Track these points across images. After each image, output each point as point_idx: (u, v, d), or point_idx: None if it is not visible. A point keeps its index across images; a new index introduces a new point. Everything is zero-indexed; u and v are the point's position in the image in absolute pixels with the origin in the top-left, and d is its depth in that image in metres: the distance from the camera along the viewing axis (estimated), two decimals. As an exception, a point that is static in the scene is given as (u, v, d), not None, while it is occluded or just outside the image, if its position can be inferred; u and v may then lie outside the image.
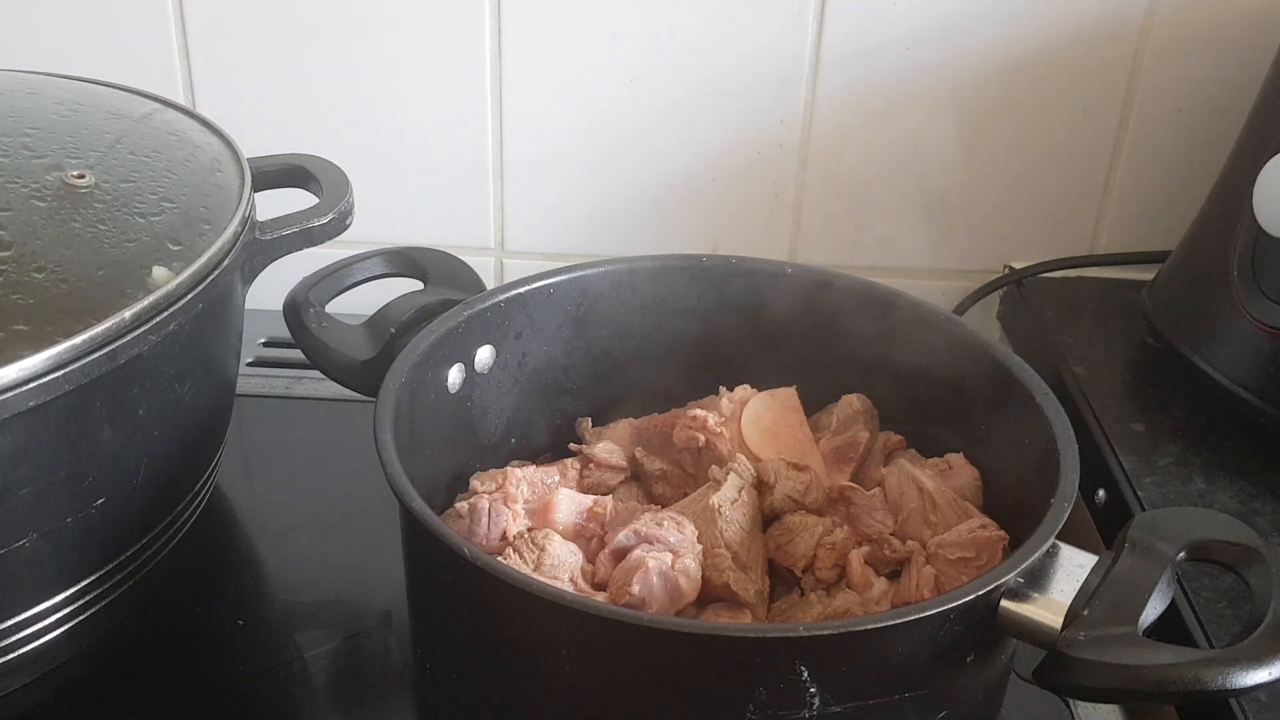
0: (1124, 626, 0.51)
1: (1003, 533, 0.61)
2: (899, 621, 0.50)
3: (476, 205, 0.95)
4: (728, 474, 0.65)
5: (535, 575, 0.58)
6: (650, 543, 0.60)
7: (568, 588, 0.58)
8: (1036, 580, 0.53)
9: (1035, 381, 0.63)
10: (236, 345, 0.70)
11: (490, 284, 0.73)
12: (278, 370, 0.90)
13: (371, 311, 0.69)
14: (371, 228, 0.84)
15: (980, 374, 0.66)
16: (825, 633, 0.51)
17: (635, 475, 0.71)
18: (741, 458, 0.67)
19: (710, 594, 0.60)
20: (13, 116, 0.68)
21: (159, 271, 0.58)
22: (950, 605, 0.50)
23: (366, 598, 0.70)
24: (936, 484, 0.65)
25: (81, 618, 0.62)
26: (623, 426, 0.73)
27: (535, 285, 0.70)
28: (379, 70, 0.90)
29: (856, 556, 0.62)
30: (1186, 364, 0.76)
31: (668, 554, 0.59)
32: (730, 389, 0.73)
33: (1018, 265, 0.93)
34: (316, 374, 0.70)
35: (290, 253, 0.70)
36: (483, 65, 0.90)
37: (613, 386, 0.74)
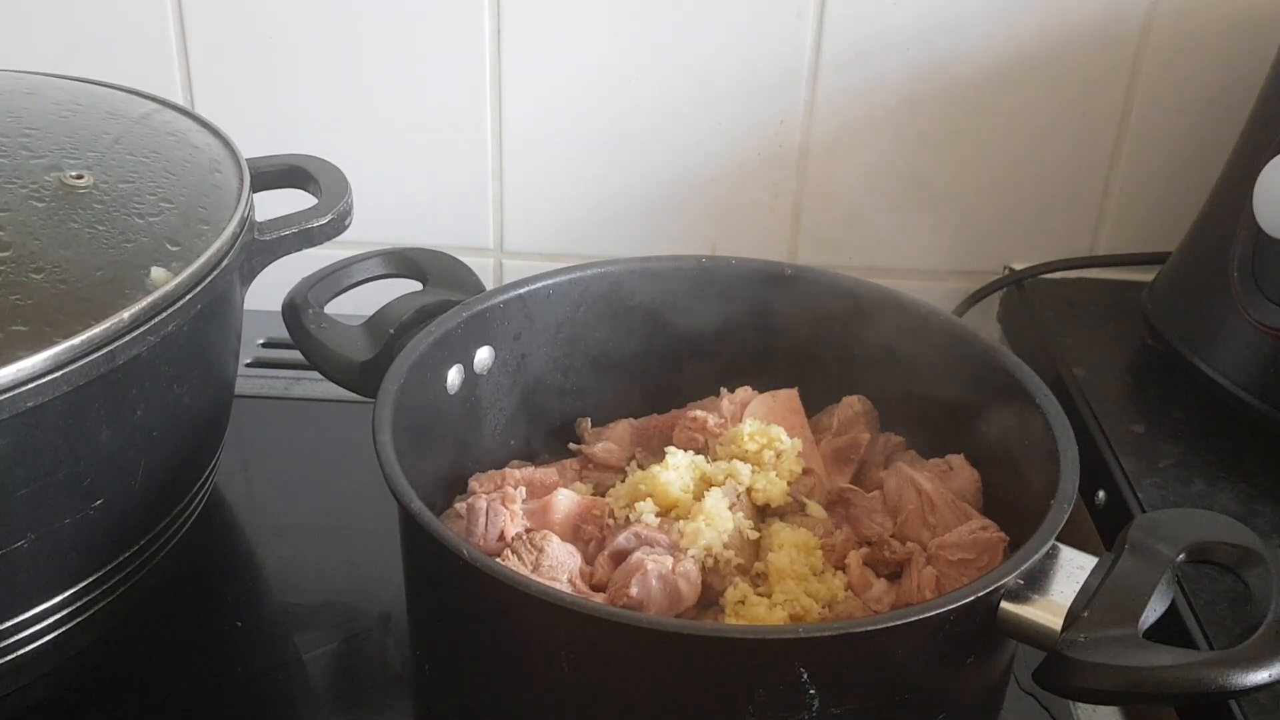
0: (1124, 628, 0.51)
1: (1004, 534, 0.61)
2: (899, 623, 0.50)
3: (476, 206, 0.95)
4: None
5: (533, 576, 0.58)
6: (651, 545, 0.60)
7: (566, 589, 0.58)
8: (1036, 582, 0.53)
9: (1035, 382, 0.63)
10: (235, 346, 0.70)
11: (489, 285, 0.73)
12: (276, 371, 0.90)
13: (370, 312, 0.69)
14: (370, 228, 0.84)
15: (980, 375, 0.66)
16: (825, 634, 0.51)
17: (635, 476, 0.70)
18: (741, 459, 0.67)
19: (710, 597, 0.60)
20: (11, 117, 0.68)
21: (157, 272, 0.58)
22: (950, 607, 0.50)
23: (365, 599, 0.70)
24: (935, 485, 0.65)
25: (80, 619, 0.62)
26: (623, 426, 0.73)
27: (534, 286, 0.70)
28: (378, 70, 0.90)
29: (856, 557, 0.62)
30: (1186, 365, 0.76)
31: (668, 557, 0.59)
32: (731, 390, 0.73)
33: (1018, 266, 0.93)
34: (315, 375, 0.69)
35: (289, 253, 0.70)
36: (482, 65, 0.90)
37: (613, 387, 0.74)
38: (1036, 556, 0.53)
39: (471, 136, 0.92)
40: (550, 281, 0.71)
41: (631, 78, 0.90)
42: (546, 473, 0.69)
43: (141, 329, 0.56)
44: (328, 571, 0.72)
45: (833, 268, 0.74)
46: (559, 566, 0.59)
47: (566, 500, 0.64)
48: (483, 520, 0.62)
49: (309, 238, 0.70)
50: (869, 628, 0.50)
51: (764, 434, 0.67)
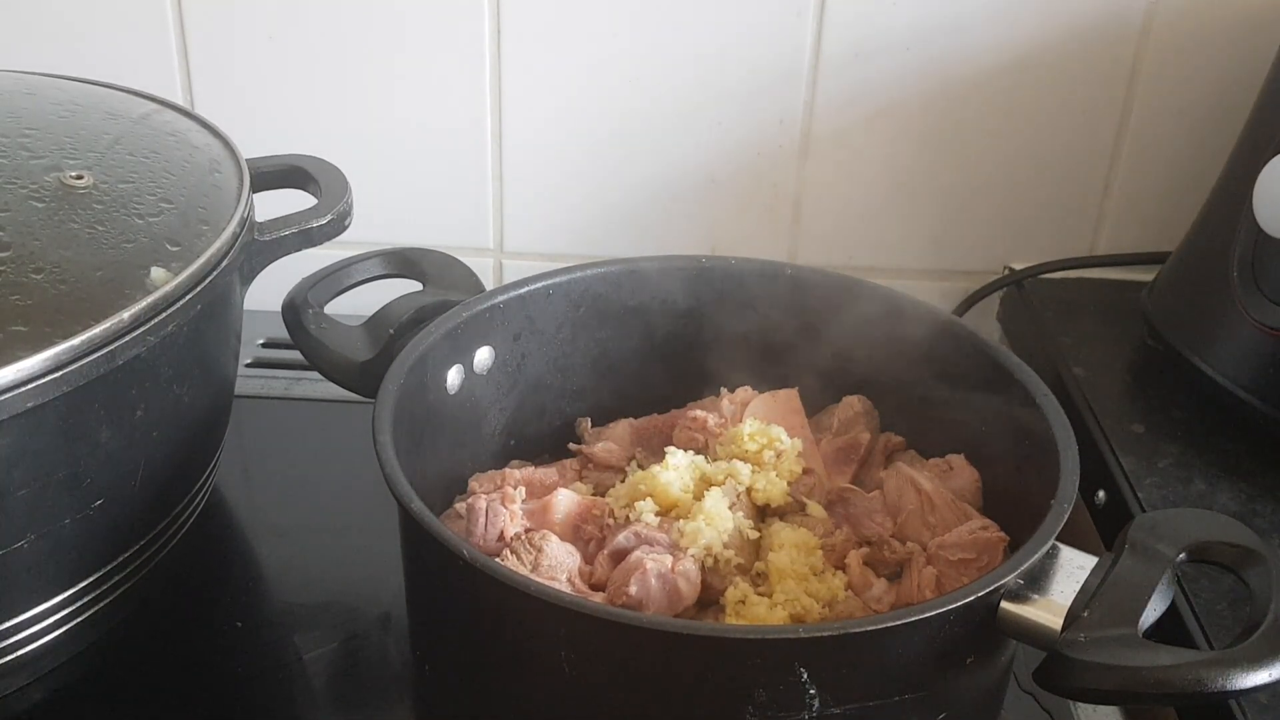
0: (1124, 628, 0.51)
1: (1004, 534, 0.61)
2: (899, 623, 0.50)
3: (475, 206, 0.95)
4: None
5: (533, 576, 0.58)
6: (650, 545, 0.60)
7: (565, 588, 0.58)
8: (1036, 582, 0.53)
9: (1035, 382, 0.63)
10: (235, 346, 0.70)
11: (489, 285, 0.73)
12: (276, 371, 0.90)
13: (370, 313, 0.69)
14: (370, 228, 0.84)
15: (980, 375, 0.66)
16: (825, 634, 0.51)
17: (635, 476, 0.70)
18: (741, 459, 0.67)
19: (710, 597, 0.60)
20: (11, 117, 0.68)
21: (157, 272, 0.58)
22: (950, 606, 0.50)
23: (365, 599, 0.70)
24: (935, 485, 0.65)
25: (80, 619, 0.62)
26: (623, 426, 0.73)
27: (534, 286, 0.70)
28: (378, 71, 0.90)
29: (856, 557, 0.62)
30: (1186, 365, 0.76)
31: (668, 556, 0.59)
32: (731, 390, 0.73)
33: (1018, 266, 0.93)
34: (315, 375, 0.69)
35: (289, 254, 0.70)
36: (482, 66, 0.90)
37: (612, 387, 0.74)
38: (1036, 556, 0.53)
39: (471, 136, 0.92)
40: (550, 281, 0.71)
41: (631, 78, 0.90)
42: (546, 473, 0.69)
43: (141, 329, 0.56)
44: (328, 571, 0.72)
45: (833, 268, 0.74)
46: (558, 566, 0.59)
47: (566, 500, 0.64)
48: (482, 520, 0.62)
49: (309, 238, 0.70)
50: (869, 628, 0.50)
51: (764, 434, 0.67)
